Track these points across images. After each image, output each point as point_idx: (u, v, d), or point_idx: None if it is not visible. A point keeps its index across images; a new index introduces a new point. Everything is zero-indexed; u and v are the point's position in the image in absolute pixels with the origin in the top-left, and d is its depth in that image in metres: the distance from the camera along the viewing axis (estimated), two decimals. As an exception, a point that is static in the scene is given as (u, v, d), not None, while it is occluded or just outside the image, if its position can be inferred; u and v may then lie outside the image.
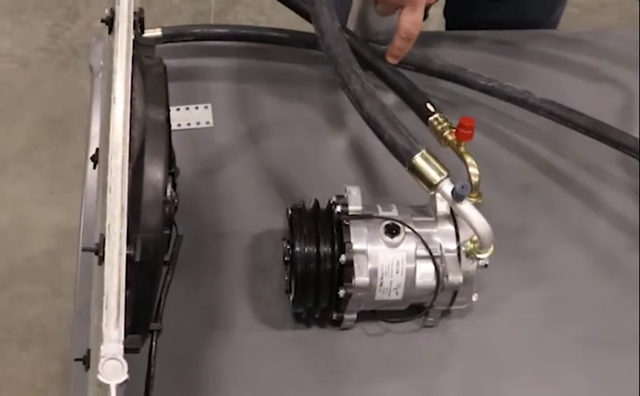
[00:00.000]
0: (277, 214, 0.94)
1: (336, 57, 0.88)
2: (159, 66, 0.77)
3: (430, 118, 0.97)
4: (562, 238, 1.02)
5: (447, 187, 0.83)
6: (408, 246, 0.86)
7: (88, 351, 0.68)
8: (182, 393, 0.86)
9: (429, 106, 0.99)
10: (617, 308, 0.97)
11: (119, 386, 0.54)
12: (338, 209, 0.87)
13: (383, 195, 1.01)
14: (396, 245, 0.86)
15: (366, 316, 0.90)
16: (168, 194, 0.80)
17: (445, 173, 0.83)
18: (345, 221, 0.86)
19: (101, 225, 0.63)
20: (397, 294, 0.87)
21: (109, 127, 0.65)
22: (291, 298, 0.89)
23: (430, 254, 0.86)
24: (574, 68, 1.21)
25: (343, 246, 0.85)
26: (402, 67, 1.07)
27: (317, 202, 0.90)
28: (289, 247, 0.88)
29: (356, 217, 0.86)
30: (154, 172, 0.69)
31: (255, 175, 1.04)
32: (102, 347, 0.55)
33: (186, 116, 1.08)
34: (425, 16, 1.03)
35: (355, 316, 0.89)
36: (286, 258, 0.90)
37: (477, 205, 0.84)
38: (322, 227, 0.87)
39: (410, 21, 1.00)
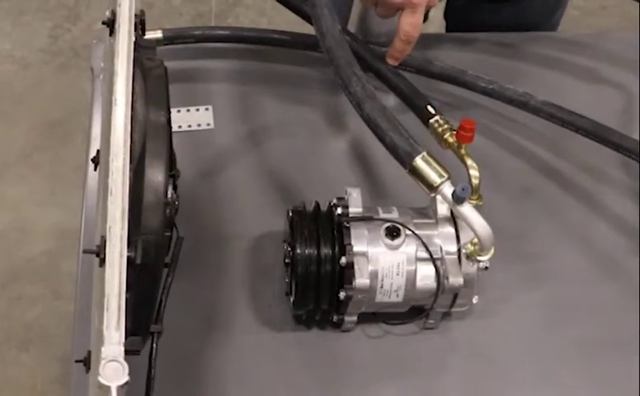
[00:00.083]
0: (278, 215, 0.94)
1: (336, 59, 0.88)
2: (160, 68, 0.77)
3: (431, 120, 0.98)
4: (563, 240, 1.02)
5: (447, 189, 0.83)
6: (409, 248, 0.86)
7: (89, 352, 0.68)
8: (183, 395, 0.86)
9: (429, 108, 0.99)
10: (617, 311, 0.97)
11: (119, 388, 0.54)
12: (339, 211, 0.87)
13: (384, 197, 1.01)
14: (396, 247, 0.86)
15: (367, 318, 0.90)
16: (169, 196, 0.80)
17: (446, 175, 0.83)
18: (345, 223, 0.86)
19: (102, 227, 0.63)
20: (397, 296, 0.87)
21: (110, 129, 0.65)
22: (292, 300, 0.89)
23: (431, 256, 0.86)
24: (575, 70, 1.21)
25: (344, 248, 0.85)
26: (402, 69, 1.07)
27: (317, 204, 0.90)
28: (289, 249, 0.88)
29: (357, 219, 0.86)
30: (155, 175, 0.70)
31: (255, 177, 1.04)
32: (103, 349, 0.55)
33: (187, 118, 1.08)
34: (426, 19, 1.03)
35: (355, 318, 0.89)
36: (287, 260, 0.90)
37: (477, 208, 0.84)
38: (322, 229, 0.87)
39: (410, 24, 1.01)
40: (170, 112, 0.79)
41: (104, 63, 1.00)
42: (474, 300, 0.89)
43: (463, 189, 0.82)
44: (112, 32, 0.74)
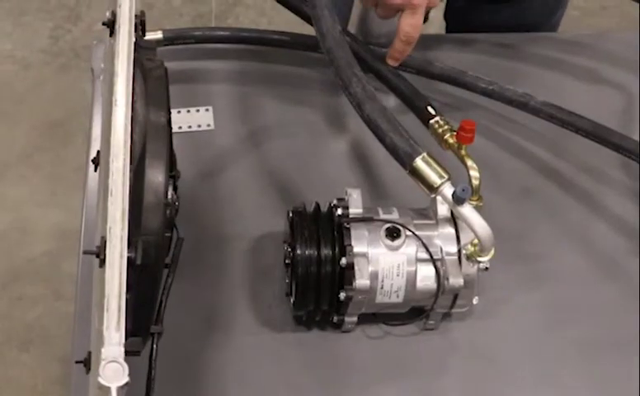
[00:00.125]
0: (278, 216, 0.94)
1: (337, 60, 0.88)
2: (160, 69, 0.77)
3: (431, 121, 0.98)
4: (563, 241, 1.02)
5: (448, 190, 0.83)
6: (409, 249, 0.86)
7: (89, 353, 0.68)
8: (183, 396, 0.86)
9: (430, 108, 0.99)
10: (617, 311, 0.97)
11: (120, 389, 0.54)
12: (339, 211, 0.87)
13: (384, 198, 1.01)
14: (396, 248, 0.86)
15: (367, 319, 0.90)
16: (169, 197, 0.80)
17: (446, 176, 0.83)
18: (345, 224, 0.86)
19: (102, 228, 0.63)
20: (397, 296, 0.87)
21: (110, 130, 0.65)
22: (292, 300, 0.89)
23: (431, 257, 0.86)
24: (575, 71, 1.21)
25: (344, 249, 0.85)
26: (402, 70, 1.07)
27: (317, 205, 0.90)
28: (289, 249, 0.88)
29: (357, 220, 0.87)
30: (155, 175, 0.70)
31: (256, 178, 1.04)
32: (103, 350, 0.55)
33: (187, 119, 1.08)
34: (426, 19, 1.03)
35: (355, 319, 0.89)
36: (287, 261, 0.90)
37: (477, 208, 0.84)
38: (322, 230, 0.87)
39: (410, 25, 1.01)
40: (170, 113, 0.79)
41: (104, 63, 1.00)
42: (474, 301, 0.89)
43: (463, 190, 0.82)
44: (112, 33, 0.74)
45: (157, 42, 1.09)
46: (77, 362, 0.70)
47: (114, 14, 0.73)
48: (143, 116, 0.71)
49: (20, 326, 1.85)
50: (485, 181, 0.89)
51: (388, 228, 0.86)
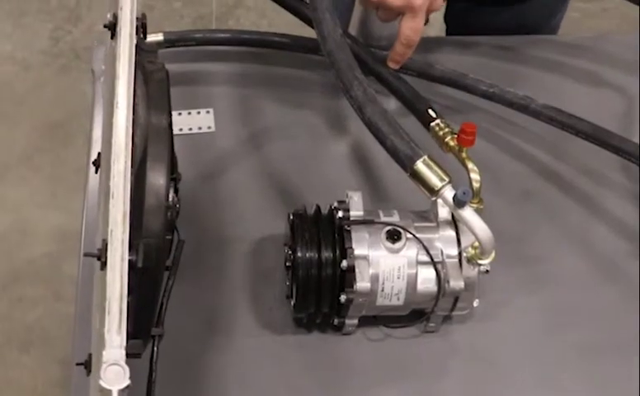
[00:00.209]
0: (279, 219, 0.94)
1: (337, 62, 0.88)
2: (161, 71, 0.77)
3: (432, 124, 0.98)
4: (563, 243, 1.02)
5: (448, 193, 0.83)
6: (409, 251, 0.86)
7: (90, 355, 0.68)
8: (183, 398, 0.86)
9: (430, 111, 0.99)
10: (617, 314, 0.97)
11: (121, 392, 0.54)
12: (340, 214, 0.87)
13: (385, 201, 1.01)
14: (397, 251, 0.86)
15: (367, 321, 0.90)
16: (170, 199, 0.80)
17: (447, 179, 0.83)
18: (346, 226, 0.86)
19: (104, 230, 0.63)
20: (398, 299, 0.87)
21: (111, 132, 0.65)
22: (292, 303, 0.89)
23: (432, 260, 0.86)
24: (575, 73, 1.21)
25: (344, 251, 0.85)
26: (403, 72, 1.07)
27: (318, 207, 0.90)
28: (290, 252, 0.88)
29: (358, 222, 0.87)
30: (156, 178, 0.70)
31: (256, 180, 1.04)
32: (104, 353, 0.55)
33: (188, 121, 1.08)
34: (426, 22, 1.03)
35: (356, 321, 0.89)
36: (288, 263, 0.90)
37: (478, 211, 0.84)
38: (323, 232, 0.87)
39: (410, 28, 1.01)
40: (171, 116, 0.79)
41: (105, 65, 1.00)
42: (475, 304, 0.89)
43: (464, 193, 0.82)
44: (114, 35, 0.74)
45: (158, 44, 1.09)
46: (77, 364, 0.70)
47: (115, 16, 0.73)
48: (145, 119, 0.71)
49: (20, 327, 1.85)
50: (485, 184, 0.89)
51: (388, 231, 0.87)
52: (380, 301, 0.87)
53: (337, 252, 0.86)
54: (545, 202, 1.06)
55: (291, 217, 0.89)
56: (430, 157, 0.84)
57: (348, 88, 0.87)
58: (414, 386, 0.90)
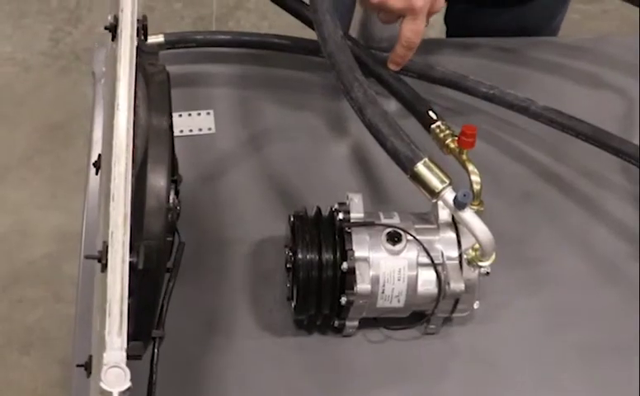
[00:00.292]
0: (279, 220, 0.94)
1: (338, 64, 0.88)
2: (162, 73, 0.77)
3: (433, 125, 0.98)
4: (563, 245, 1.02)
5: (449, 195, 0.83)
6: (410, 253, 0.86)
7: (90, 357, 0.68)
8: (184, 400, 0.86)
9: (431, 113, 0.99)
10: (617, 315, 0.97)
11: (122, 394, 0.54)
12: (340, 216, 0.87)
13: (385, 203, 1.01)
14: (398, 252, 0.86)
15: (368, 323, 0.90)
16: (171, 201, 0.80)
17: (447, 181, 0.83)
18: (347, 228, 0.86)
19: (104, 232, 0.63)
20: (398, 301, 0.87)
21: (112, 134, 0.65)
22: (293, 305, 0.89)
23: (432, 262, 0.86)
24: (575, 75, 1.21)
25: (345, 253, 0.85)
26: (404, 74, 1.07)
27: (319, 209, 0.90)
28: (291, 254, 0.88)
29: (358, 224, 0.87)
30: (157, 180, 0.70)
31: (257, 181, 1.04)
32: (105, 355, 0.55)
33: (188, 123, 1.09)
34: (426, 23, 1.03)
35: (356, 323, 0.89)
36: (288, 265, 0.90)
37: (478, 213, 0.84)
38: (324, 234, 0.87)
39: (411, 30, 1.01)
40: (172, 118, 0.79)
41: (106, 67, 1.00)
42: (475, 305, 0.89)
43: (464, 195, 0.82)
44: (114, 37, 0.74)
45: (159, 46, 1.10)
46: (78, 366, 0.70)
47: (116, 18, 0.74)
48: (145, 121, 0.71)
49: (20, 328, 1.85)
50: (486, 186, 0.89)
51: (389, 233, 0.87)
52: (381, 303, 0.87)
53: (338, 253, 0.86)
54: (545, 204, 1.06)
55: (292, 219, 0.89)
56: (430, 159, 0.84)
57: (348, 90, 0.87)
58: (414, 388, 0.90)
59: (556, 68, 1.21)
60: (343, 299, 0.85)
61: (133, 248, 0.62)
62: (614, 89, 1.19)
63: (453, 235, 0.87)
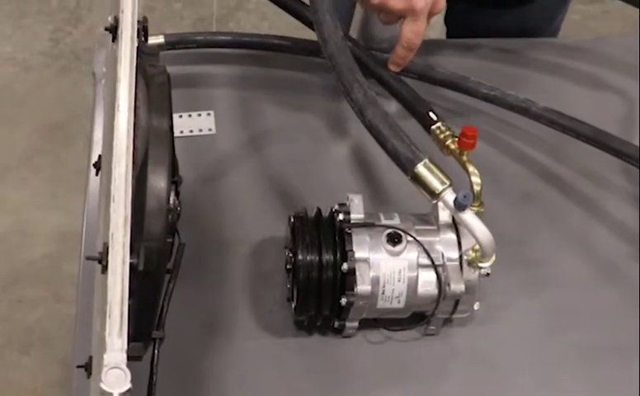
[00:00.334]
0: (279, 221, 0.94)
1: (338, 65, 0.88)
2: (163, 75, 0.77)
3: (433, 127, 0.98)
4: (564, 246, 1.02)
5: (449, 196, 0.83)
6: (410, 254, 0.86)
7: (90, 357, 0.68)
8: (184, 401, 0.86)
9: (431, 114, 0.99)
10: (618, 316, 0.97)
11: (122, 395, 0.54)
12: (340, 217, 0.87)
13: (386, 204, 1.01)
14: (398, 253, 0.86)
15: (368, 324, 0.90)
16: (171, 202, 0.80)
17: (448, 182, 0.83)
18: (347, 229, 0.86)
19: (105, 234, 0.63)
20: (398, 302, 0.87)
21: (112, 135, 0.65)
22: (293, 306, 0.89)
23: (432, 263, 0.86)
24: (576, 76, 1.21)
25: (345, 254, 0.85)
26: (404, 75, 1.07)
27: (319, 210, 0.90)
28: (291, 255, 0.88)
29: (358, 225, 0.87)
30: (158, 181, 0.70)
31: (257, 182, 1.04)
32: (105, 356, 0.55)
33: (189, 123, 1.08)
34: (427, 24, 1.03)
35: (356, 324, 0.89)
36: (288, 266, 0.90)
37: (479, 214, 0.84)
38: (324, 235, 0.87)
39: (412, 31, 1.01)
40: (172, 119, 0.79)
41: (106, 68, 1.00)
42: (475, 306, 0.89)
43: (464, 196, 0.82)
44: (115, 38, 0.74)
45: (159, 46, 1.09)
46: (78, 367, 0.70)
47: (116, 19, 0.74)
48: (146, 122, 0.71)
49: (20, 328, 1.85)
50: (486, 187, 0.89)
51: (389, 234, 0.87)
52: (381, 304, 0.87)
53: (338, 254, 0.86)
54: (546, 205, 1.06)
55: (292, 220, 0.89)
56: (430, 160, 0.84)
57: (349, 91, 0.87)
58: (414, 389, 0.90)
59: (556, 69, 1.21)
60: (343, 300, 0.85)
61: (133, 250, 0.62)
62: (614, 90, 1.19)
63: (453, 236, 0.87)
